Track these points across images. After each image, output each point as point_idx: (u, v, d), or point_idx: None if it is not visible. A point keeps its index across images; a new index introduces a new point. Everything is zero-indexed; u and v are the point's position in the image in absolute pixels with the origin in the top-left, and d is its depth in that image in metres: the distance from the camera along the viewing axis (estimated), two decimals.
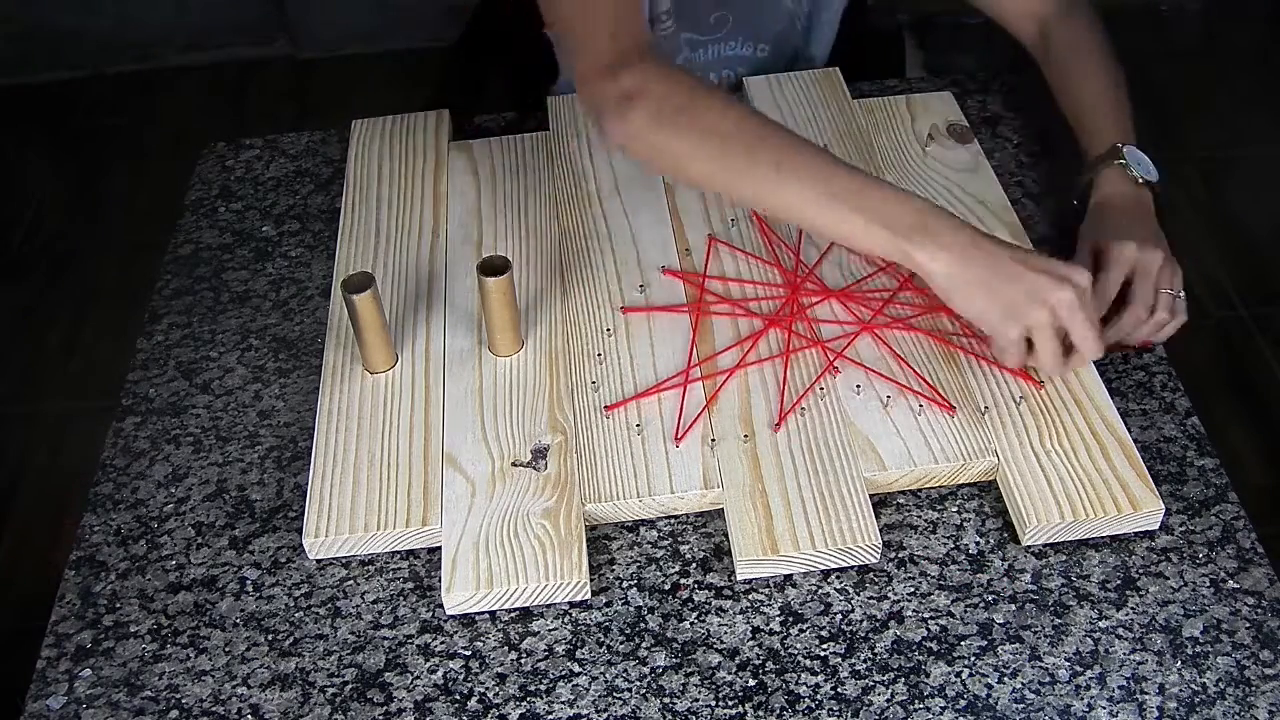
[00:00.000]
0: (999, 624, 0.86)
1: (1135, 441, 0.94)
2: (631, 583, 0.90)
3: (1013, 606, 0.87)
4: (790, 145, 0.95)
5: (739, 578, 0.89)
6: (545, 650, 0.86)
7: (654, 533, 0.93)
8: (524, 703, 0.83)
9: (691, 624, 0.87)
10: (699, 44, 1.33)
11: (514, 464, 0.95)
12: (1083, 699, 0.82)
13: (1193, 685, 0.82)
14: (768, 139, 0.95)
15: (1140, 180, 1.06)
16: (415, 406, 1.00)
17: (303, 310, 1.13)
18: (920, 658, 0.84)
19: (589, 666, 0.85)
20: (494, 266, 0.98)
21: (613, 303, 1.07)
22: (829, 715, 0.82)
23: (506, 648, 0.87)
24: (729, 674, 0.84)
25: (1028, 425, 0.95)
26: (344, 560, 0.93)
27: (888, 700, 0.82)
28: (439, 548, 0.92)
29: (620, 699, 0.83)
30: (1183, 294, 1.01)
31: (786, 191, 0.94)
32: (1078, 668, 0.83)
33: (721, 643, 0.86)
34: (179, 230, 1.23)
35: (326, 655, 0.87)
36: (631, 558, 0.91)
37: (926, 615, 0.87)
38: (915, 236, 0.90)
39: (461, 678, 0.85)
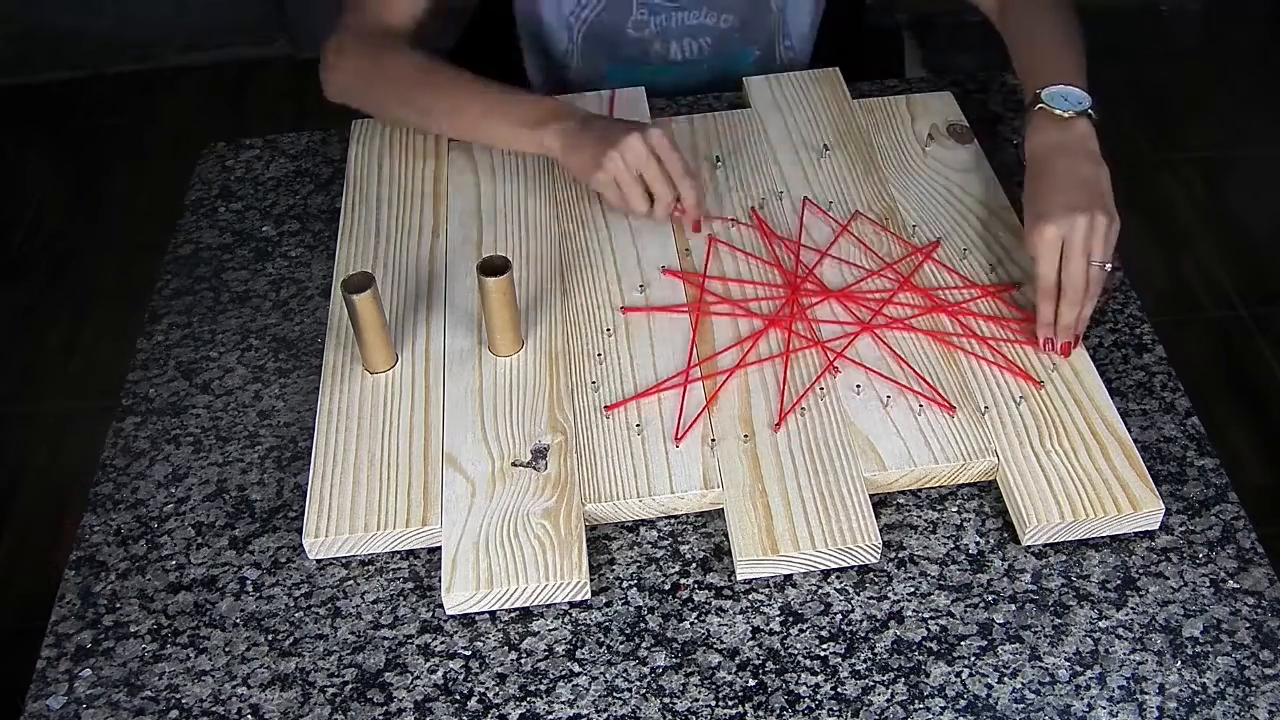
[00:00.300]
0: (999, 624, 0.86)
1: (1135, 441, 0.94)
2: (631, 583, 0.90)
3: (1013, 606, 0.87)
4: (445, 82, 1.18)
5: (739, 578, 0.89)
6: (545, 650, 0.86)
7: (654, 533, 0.93)
8: (524, 703, 0.83)
9: (691, 624, 0.87)
10: (661, 9, 1.32)
11: (514, 464, 0.95)
12: (1083, 699, 0.82)
13: (1193, 685, 0.82)
14: (430, 82, 1.18)
15: (1067, 115, 1.04)
16: (415, 406, 1.00)
17: (303, 310, 1.13)
18: (920, 658, 0.84)
19: (589, 666, 0.85)
20: (494, 266, 0.98)
21: (613, 303, 1.07)
22: (829, 715, 0.82)
23: (506, 648, 0.87)
24: (729, 674, 0.84)
25: (1028, 425, 0.95)
26: (344, 560, 0.93)
27: (888, 700, 0.82)
28: (439, 548, 0.92)
29: (620, 699, 0.83)
30: (1109, 265, 0.98)
31: (455, 121, 1.18)
32: (1078, 668, 0.83)
33: (721, 643, 0.86)
34: (179, 230, 1.23)
35: (326, 655, 0.87)
36: (631, 558, 0.91)
37: (926, 615, 0.87)
38: (546, 124, 1.11)
39: (461, 678, 0.85)
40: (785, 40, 1.38)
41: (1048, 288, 0.98)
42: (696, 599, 0.88)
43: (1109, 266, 0.98)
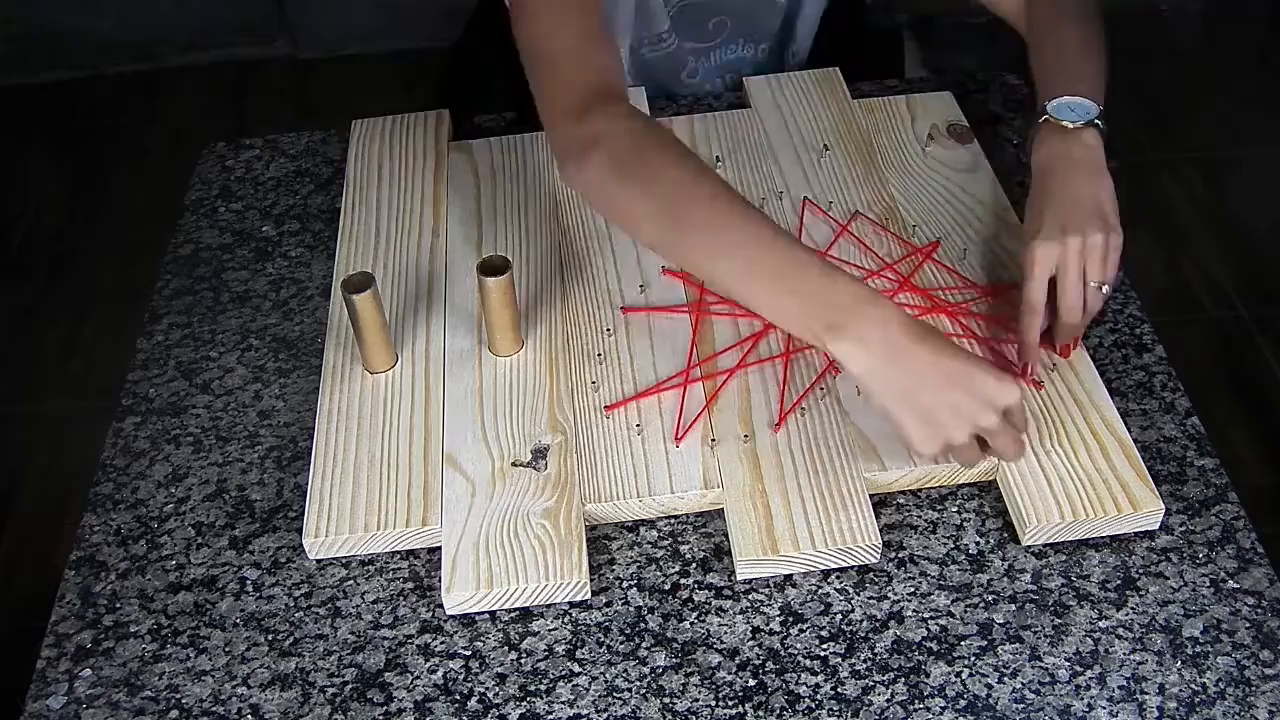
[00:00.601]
0: (999, 624, 0.86)
1: (1135, 441, 0.94)
2: (631, 583, 0.90)
3: (1013, 606, 0.87)
4: (726, 213, 0.90)
5: (739, 578, 0.89)
6: (545, 650, 0.86)
7: (654, 533, 0.93)
8: (524, 703, 0.83)
9: (691, 624, 0.87)
10: (701, 52, 1.33)
11: (514, 464, 0.95)
12: (1083, 699, 0.82)
13: (1193, 685, 0.82)
14: (705, 203, 0.90)
15: (1071, 126, 1.01)
16: (415, 406, 1.00)
17: (303, 310, 1.13)
18: (920, 658, 0.84)
19: (589, 666, 0.85)
20: (494, 266, 0.98)
21: (613, 303, 1.07)
22: (829, 715, 0.82)
23: (506, 648, 0.87)
24: (729, 674, 0.84)
25: (1028, 425, 0.95)
26: (344, 560, 0.93)
27: (888, 700, 0.82)
28: (439, 548, 0.92)
29: (620, 699, 0.83)
30: (1106, 287, 0.95)
31: (719, 266, 0.90)
32: (1078, 668, 0.83)
33: (721, 643, 0.86)
34: (179, 230, 1.23)
35: (326, 655, 0.87)
36: (631, 558, 0.91)
37: (926, 615, 0.87)
38: (842, 326, 0.84)
39: (461, 678, 0.85)
40: (792, 44, 1.38)
41: (1031, 307, 0.95)
42: (696, 599, 0.88)
43: (1106, 288, 0.96)
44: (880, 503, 0.93)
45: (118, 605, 0.91)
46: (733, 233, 0.89)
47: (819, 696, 0.82)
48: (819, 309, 0.85)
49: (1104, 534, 0.90)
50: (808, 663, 0.84)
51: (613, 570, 0.91)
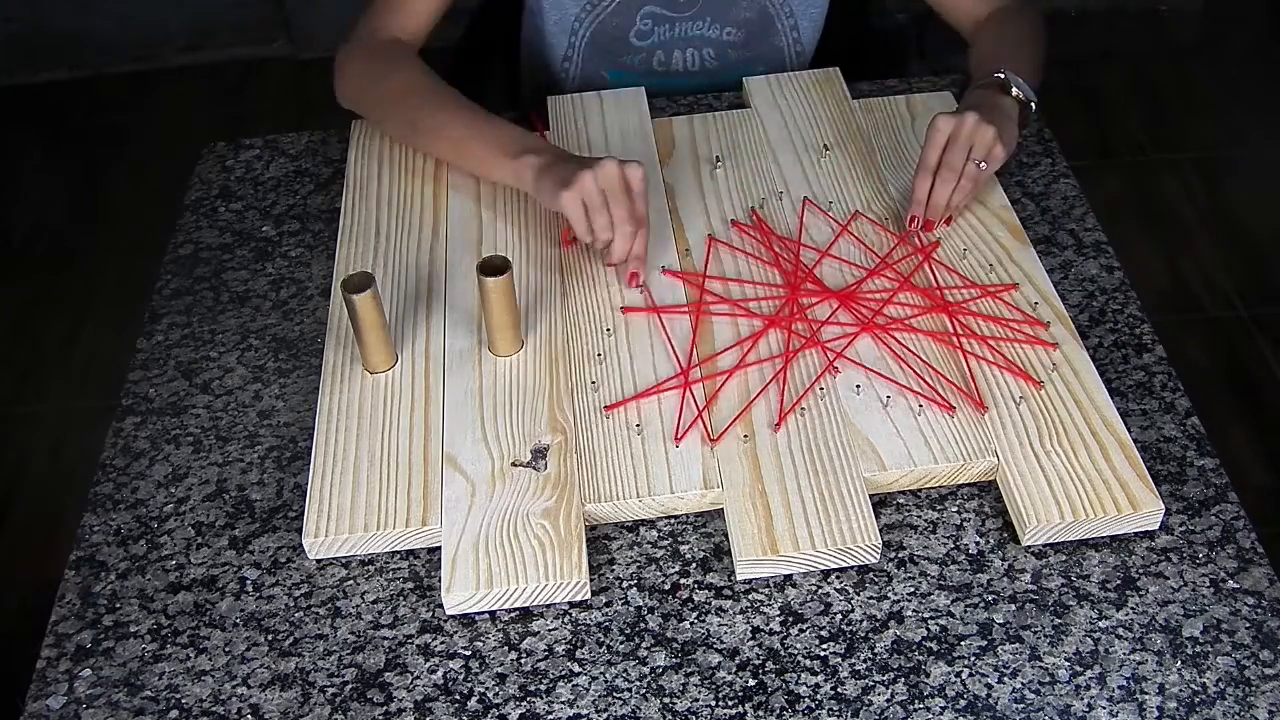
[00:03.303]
0: (999, 624, 0.86)
1: (1135, 441, 0.94)
2: (631, 583, 0.90)
3: (1013, 606, 0.87)
4: (437, 100, 1.19)
5: (739, 578, 0.89)
6: (545, 650, 0.86)
7: (654, 533, 0.93)
8: (524, 703, 0.83)
9: (691, 624, 0.87)
10: (665, 19, 1.33)
11: (514, 464, 0.95)
12: (1083, 699, 0.82)
13: (1193, 685, 0.82)
14: (424, 101, 1.19)
15: (1014, 92, 1.14)
16: (415, 406, 1.00)
17: (303, 310, 1.13)
18: (920, 658, 0.84)
19: (589, 666, 0.85)
20: (494, 266, 0.98)
21: (613, 303, 1.07)
22: (829, 715, 0.82)
23: (506, 648, 0.87)
24: (729, 674, 0.84)
25: (1028, 425, 0.95)
26: (344, 560, 0.93)
27: (888, 700, 0.82)
28: (439, 548, 0.92)
29: (620, 699, 0.83)
30: (983, 164, 1.08)
31: (439, 142, 1.19)
32: (1078, 668, 0.83)
33: (721, 643, 0.86)
34: (179, 230, 1.23)
35: (326, 655, 0.87)
36: (631, 558, 0.91)
37: (926, 615, 0.87)
38: (524, 155, 1.10)
39: (461, 678, 0.85)
40: (795, 45, 1.38)
41: (927, 168, 1.09)
42: (696, 599, 0.88)
43: (983, 165, 1.08)
44: (880, 503, 0.93)
45: (118, 605, 0.91)
46: (434, 119, 1.19)
47: (819, 696, 0.82)
48: (504, 151, 1.12)
49: (1104, 534, 0.90)
50: (808, 663, 0.84)
51: (613, 570, 0.91)
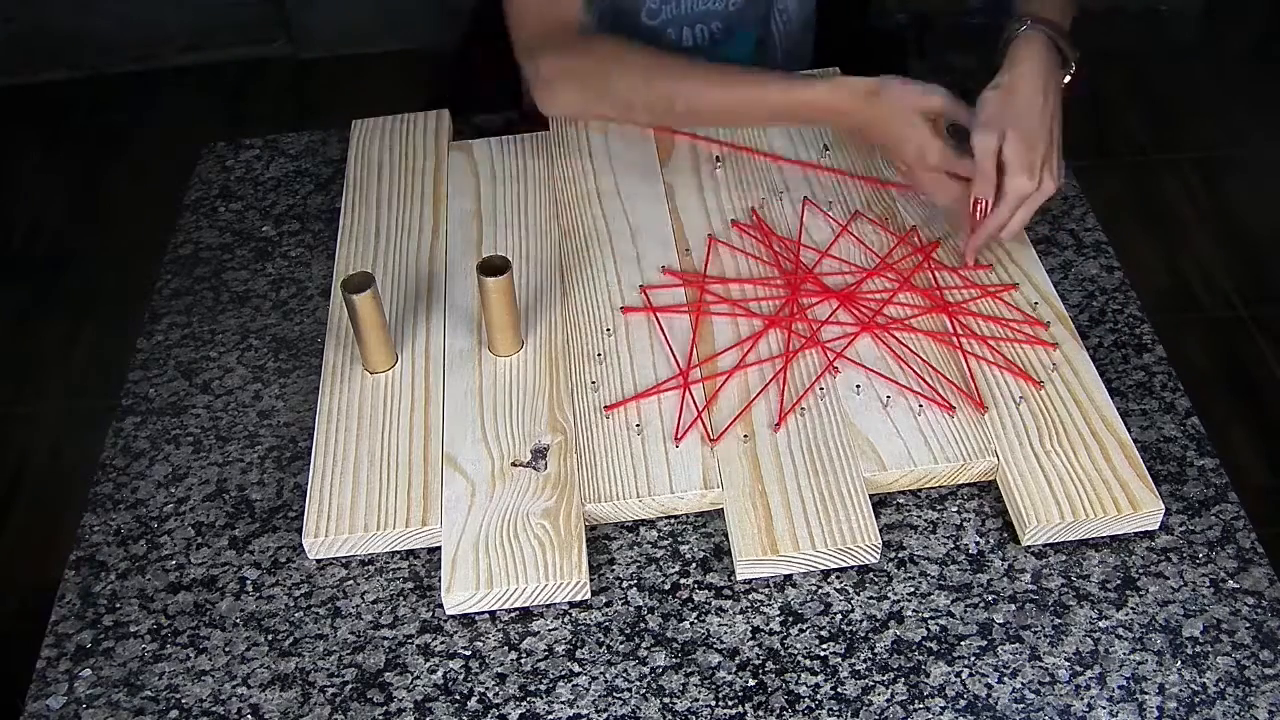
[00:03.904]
0: (999, 624, 0.86)
1: (1135, 441, 0.94)
2: (631, 583, 0.90)
3: (1013, 606, 0.87)
4: (700, 64, 1.14)
5: (739, 578, 0.89)
6: (545, 650, 0.86)
7: (654, 533, 0.93)
8: (524, 703, 0.83)
9: (691, 624, 0.87)
10: None
11: (514, 464, 0.95)
12: (1083, 699, 0.82)
13: (1193, 685, 0.82)
14: (686, 67, 1.14)
15: (1067, 55, 1.09)
16: (415, 406, 1.00)
17: (303, 310, 1.13)
18: (920, 658, 0.84)
19: (589, 666, 0.85)
20: (494, 266, 0.98)
21: (613, 303, 1.07)
22: (829, 715, 0.82)
23: (506, 648, 0.87)
24: (729, 674, 0.84)
25: (1028, 425, 0.95)
26: (344, 560, 0.93)
27: (888, 700, 0.82)
28: (439, 548, 0.92)
29: (620, 699, 0.83)
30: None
31: (734, 102, 1.13)
32: (1078, 668, 0.83)
33: (721, 643, 0.86)
34: (179, 230, 1.23)
35: (326, 655, 0.87)
36: (631, 558, 0.91)
37: (926, 615, 0.87)
38: (860, 104, 1.08)
39: (461, 678, 0.85)
40: (782, 14, 1.37)
41: (986, 177, 1.04)
42: (696, 599, 0.88)
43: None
44: (880, 503, 0.93)
45: (118, 605, 0.91)
46: (722, 75, 1.13)
47: (819, 696, 0.82)
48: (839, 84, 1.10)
49: (1104, 534, 0.90)
50: (808, 663, 0.84)
51: (613, 570, 0.91)
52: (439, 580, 0.90)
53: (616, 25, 1.34)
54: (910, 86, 1.07)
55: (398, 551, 0.93)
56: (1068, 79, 1.10)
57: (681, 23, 1.34)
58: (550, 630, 0.87)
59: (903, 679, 0.83)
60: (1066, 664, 0.83)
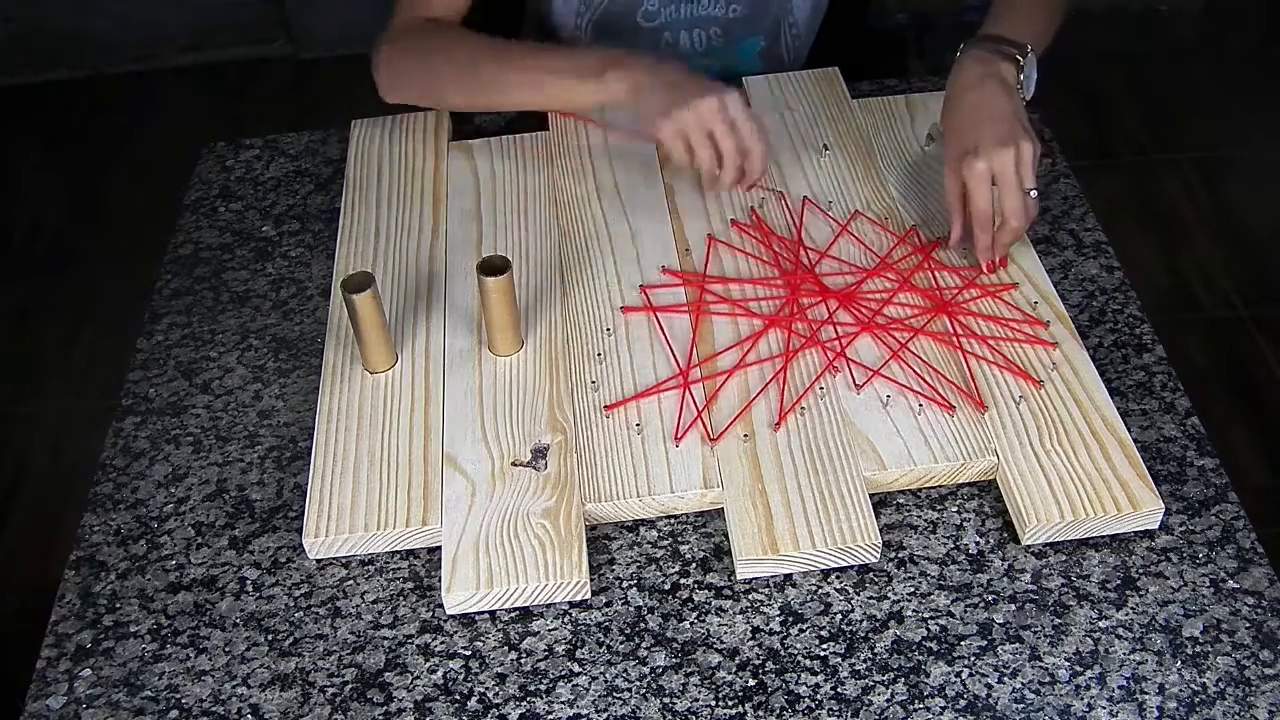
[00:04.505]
0: (999, 624, 0.86)
1: (1135, 441, 0.94)
2: (631, 583, 0.90)
3: (1013, 606, 0.87)
4: (502, 47, 1.17)
5: (739, 577, 0.89)
6: (545, 650, 0.86)
7: (654, 533, 0.93)
8: (524, 703, 0.83)
9: (691, 624, 0.87)
10: (669, 1, 1.32)
11: (514, 464, 0.95)
12: (1083, 699, 0.82)
13: (1193, 685, 0.82)
14: (487, 52, 1.17)
15: (1019, 75, 1.08)
16: (415, 406, 1.00)
17: (303, 310, 1.13)
18: (920, 658, 0.84)
19: (589, 666, 0.85)
20: (494, 266, 0.98)
21: (613, 303, 1.07)
22: (829, 715, 0.82)
23: (506, 648, 0.87)
24: (729, 674, 0.84)
25: (1028, 425, 0.95)
26: (344, 560, 0.93)
27: (888, 700, 0.82)
28: (439, 548, 0.92)
29: (620, 699, 0.83)
30: (1034, 192, 1.03)
31: (510, 94, 1.17)
32: (1078, 668, 0.83)
33: (721, 643, 0.86)
34: (179, 230, 1.23)
35: (326, 655, 0.87)
36: (631, 558, 0.91)
37: (926, 615, 0.87)
38: (608, 70, 1.08)
39: (461, 678, 0.85)
40: (792, 29, 1.37)
41: (987, 219, 1.03)
42: (696, 599, 0.88)
43: (1034, 193, 1.03)
44: (880, 503, 0.93)
45: (118, 605, 0.91)
46: (510, 58, 1.16)
47: (819, 696, 0.82)
48: (586, 74, 1.10)
49: (1104, 534, 0.90)
50: (808, 663, 0.84)
51: (613, 570, 0.91)
52: (439, 580, 0.90)
53: (613, 26, 1.34)
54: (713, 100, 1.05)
55: (398, 551, 0.93)
56: (1028, 87, 1.09)
57: (679, 27, 1.34)
58: (550, 630, 0.87)
59: (903, 679, 0.83)
60: (1066, 664, 0.83)
